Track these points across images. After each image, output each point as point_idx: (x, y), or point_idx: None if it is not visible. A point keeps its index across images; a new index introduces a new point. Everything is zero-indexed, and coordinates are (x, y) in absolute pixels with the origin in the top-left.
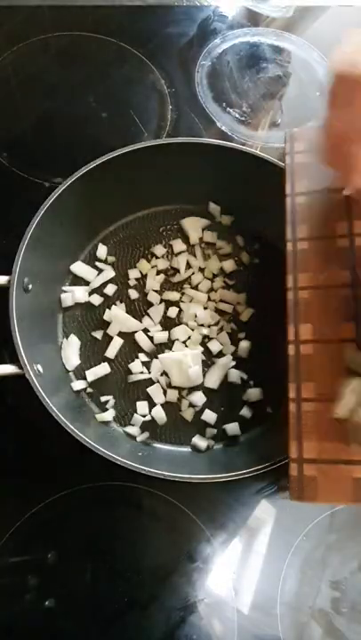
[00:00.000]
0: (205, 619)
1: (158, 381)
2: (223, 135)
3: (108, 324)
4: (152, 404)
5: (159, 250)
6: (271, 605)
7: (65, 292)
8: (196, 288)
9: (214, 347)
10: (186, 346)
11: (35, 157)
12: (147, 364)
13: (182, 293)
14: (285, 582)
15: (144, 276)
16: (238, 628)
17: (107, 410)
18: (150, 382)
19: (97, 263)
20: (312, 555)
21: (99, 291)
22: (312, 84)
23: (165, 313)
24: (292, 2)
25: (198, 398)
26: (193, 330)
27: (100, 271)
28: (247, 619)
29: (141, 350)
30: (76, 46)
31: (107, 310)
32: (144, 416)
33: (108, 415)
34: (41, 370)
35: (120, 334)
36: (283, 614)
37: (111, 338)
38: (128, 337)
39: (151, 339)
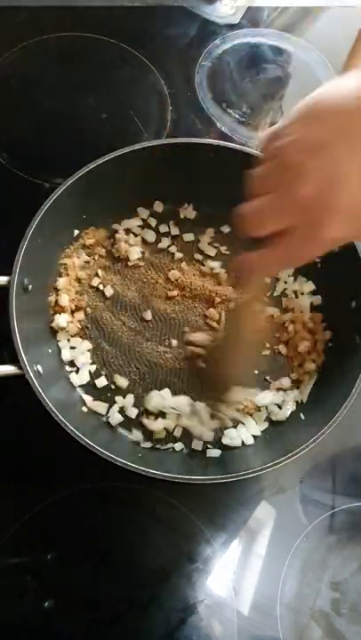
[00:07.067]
0: (205, 620)
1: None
2: (223, 136)
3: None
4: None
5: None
6: (271, 606)
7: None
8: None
9: None
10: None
11: (35, 157)
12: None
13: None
14: (285, 583)
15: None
16: (238, 629)
17: (110, 411)
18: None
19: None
20: (312, 556)
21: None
22: (312, 85)
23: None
24: (293, 3)
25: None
26: None
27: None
28: (247, 620)
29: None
30: (76, 46)
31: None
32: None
33: (113, 418)
34: (41, 370)
35: None
36: (283, 615)
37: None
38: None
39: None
